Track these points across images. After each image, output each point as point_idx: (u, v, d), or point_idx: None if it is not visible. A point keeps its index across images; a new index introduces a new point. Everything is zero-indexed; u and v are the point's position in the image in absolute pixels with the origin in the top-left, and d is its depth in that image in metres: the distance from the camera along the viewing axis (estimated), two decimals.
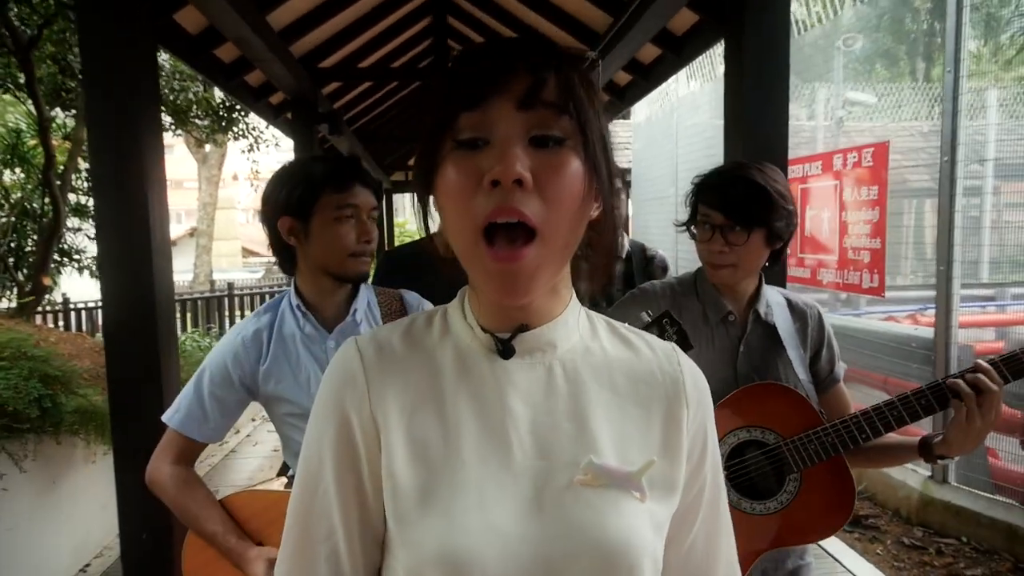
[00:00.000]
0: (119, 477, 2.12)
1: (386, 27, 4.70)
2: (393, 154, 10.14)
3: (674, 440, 0.65)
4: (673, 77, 4.92)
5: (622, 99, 4.81)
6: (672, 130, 7.80)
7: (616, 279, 2.22)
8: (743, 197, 1.28)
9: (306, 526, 0.64)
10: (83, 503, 3.36)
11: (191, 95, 7.44)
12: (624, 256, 2.24)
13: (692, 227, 1.38)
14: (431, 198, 0.63)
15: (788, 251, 1.41)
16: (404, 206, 17.72)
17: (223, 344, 1.35)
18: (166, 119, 7.50)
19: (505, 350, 0.63)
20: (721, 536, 0.70)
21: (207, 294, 9.95)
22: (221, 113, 7.82)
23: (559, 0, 3.90)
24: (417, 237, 2.51)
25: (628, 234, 2.86)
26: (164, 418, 1.34)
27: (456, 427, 0.61)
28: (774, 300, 1.41)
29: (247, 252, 24.22)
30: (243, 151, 8.45)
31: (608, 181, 0.61)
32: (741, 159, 1.87)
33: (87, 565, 3.33)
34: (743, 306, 1.39)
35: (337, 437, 0.62)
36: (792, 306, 1.42)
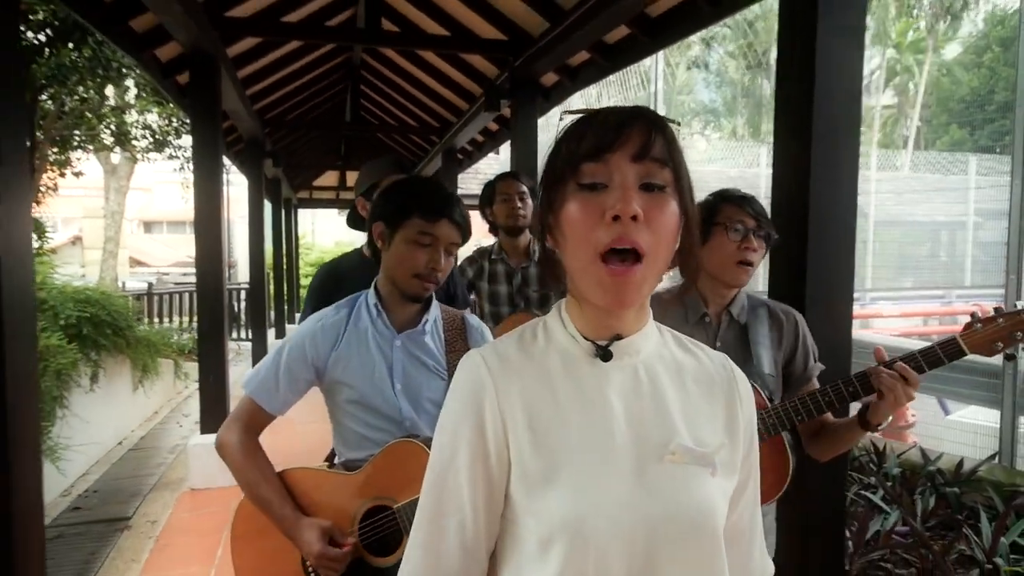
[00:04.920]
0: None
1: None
2: (302, 175, 11.93)
3: (733, 430, 0.80)
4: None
5: (547, 99, 4.84)
6: None
7: (532, 280, 2.60)
8: (763, 209, 1.53)
9: (439, 500, 0.77)
10: (118, 401, 5.17)
11: (135, 120, 9.09)
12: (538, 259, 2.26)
13: (713, 231, 1.50)
14: (547, 228, 0.77)
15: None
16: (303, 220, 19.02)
17: (304, 326, 1.47)
18: (108, 140, 9.05)
19: (605, 354, 0.77)
20: (758, 510, 0.87)
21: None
22: (157, 136, 9.49)
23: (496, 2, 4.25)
24: (341, 252, 2.42)
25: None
26: (242, 383, 1.44)
27: (568, 418, 0.75)
28: (752, 305, 1.58)
29: (134, 262, 24.42)
30: (175, 169, 10.09)
31: (693, 218, 0.76)
32: None
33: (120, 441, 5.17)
34: (720, 310, 1.56)
35: (472, 431, 0.76)
36: (771, 312, 1.58)
